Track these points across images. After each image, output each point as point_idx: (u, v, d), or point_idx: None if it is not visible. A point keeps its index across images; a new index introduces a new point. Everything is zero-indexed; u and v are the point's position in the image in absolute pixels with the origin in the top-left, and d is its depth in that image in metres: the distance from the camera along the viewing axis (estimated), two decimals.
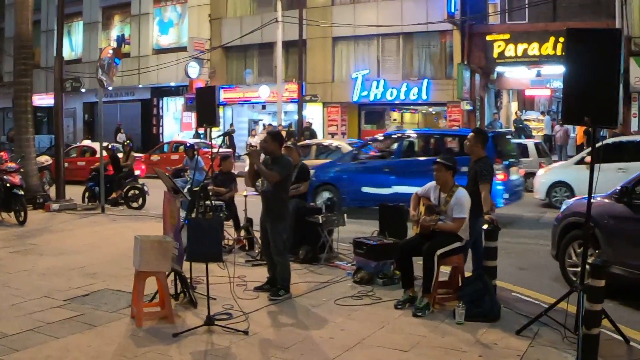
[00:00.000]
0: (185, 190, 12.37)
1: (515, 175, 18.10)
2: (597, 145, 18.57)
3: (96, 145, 32.20)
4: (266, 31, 38.05)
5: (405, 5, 36.83)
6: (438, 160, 9.44)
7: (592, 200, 9.79)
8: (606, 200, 10.32)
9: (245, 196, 13.45)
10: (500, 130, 29.68)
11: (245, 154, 15.19)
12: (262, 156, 9.89)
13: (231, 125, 41.72)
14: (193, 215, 10.32)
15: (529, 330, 8.07)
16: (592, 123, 7.62)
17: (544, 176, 21.27)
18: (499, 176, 16.10)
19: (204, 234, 8.26)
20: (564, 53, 7.82)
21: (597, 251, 10.03)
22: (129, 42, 48.42)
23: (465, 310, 8.48)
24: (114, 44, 45.34)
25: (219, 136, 15.78)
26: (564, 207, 11.75)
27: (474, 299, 8.69)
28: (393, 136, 21.78)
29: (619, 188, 10.06)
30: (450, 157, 9.64)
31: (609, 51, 7.36)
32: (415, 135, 21.49)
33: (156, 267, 8.44)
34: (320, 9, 39.24)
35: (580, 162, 20.13)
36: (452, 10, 33.70)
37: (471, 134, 10.47)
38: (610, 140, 20.31)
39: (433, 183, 9.53)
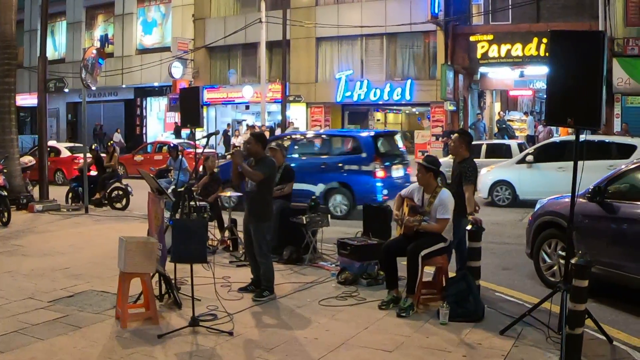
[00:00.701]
0: (170, 190, 12.37)
1: (399, 172, 19.22)
2: (539, 145, 19.18)
3: (60, 146, 32.22)
4: (250, 31, 38.07)
5: (389, 6, 36.90)
6: (419, 162, 9.50)
7: (566, 200, 10.15)
8: (580, 200, 10.15)
9: (230, 197, 13.46)
10: (383, 130, 31.47)
11: (228, 154, 15.26)
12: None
13: (228, 125, 41.84)
14: (177, 216, 10.33)
15: (512, 330, 8.11)
16: (575, 124, 7.67)
17: (487, 175, 21.84)
18: (379, 173, 17.83)
19: (189, 235, 8.26)
20: (547, 54, 7.88)
21: (578, 251, 10.09)
22: (113, 42, 48.29)
23: (449, 311, 8.52)
24: (97, 44, 45.22)
25: (204, 137, 15.81)
26: (537, 206, 11.87)
27: (458, 300, 8.72)
28: (289, 136, 22.82)
29: (591, 188, 10.19)
30: (432, 160, 9.68)
31: (592, 53, 7.40)
32: (309, 135, 23.46)
33: (141, 268, 8.43)
34: (304, 9, 39.24)
35: (522, 161, 20.92)
36: (436, 11, 33.79)
37: (455, 135, 10.52)
38: (550, 141, 21.88)
39: (417, 184, 9.56)
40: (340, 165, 18.72)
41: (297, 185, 13.96)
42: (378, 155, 18.41)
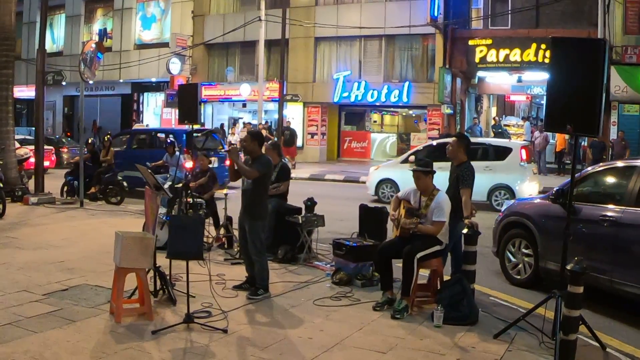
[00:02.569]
0: (166, 186, 12.36)
1: (213, 164, 20.08)
2: (420, 147, 19.85)
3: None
4: (249, 29, 38.02)
5: (389, 8, 36.93)
6: (415, 168, 9.50)
7: (531, 202, 11.53)
8: (543, 202, 11.10)
9: (226, 194, 13.46)
10: (199, 128, 32.11)
11: (225, 151, 15.40)
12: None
13: (223, 125, 41.83)
14: (174, 212, 10.33)
15: (506, 335, 8.13)
16: (574, 131, 7.69)
17: (374, 174, 23.17)
18: (187, 164, 18.77)
19: (185, 231, 8.26)
20: (546, 60, 7.93)
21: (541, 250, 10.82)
22: (111, 36, 48.23)
23: (443, 314, 8.53)
24: (96, 38, 45.14)
25: (201, 135, 15.81)
26: (504, 207, 12.39)
27: (453, 303, 8.75)
28: (127, 133, 26.97)
29: (554, 190, 10.63)
30: (426, 162, 9.70)
31: (593, 61, 7.42)
32: (142, 131, 27.86)
33: (136, 263, 8.44)
34: (304, 8, 39.24)
35: (405, 161, 22.23)
36: (435, 14, 33.77)
37: (453, 138, 10.63)
38: (434, 142, 23.34)
39: (414, 186, 9.57)
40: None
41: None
42: (189, 148, 21.17)
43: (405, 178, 20.56)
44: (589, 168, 11.48)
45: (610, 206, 9.76)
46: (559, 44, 7.95)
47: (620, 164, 11.06)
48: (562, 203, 10.27)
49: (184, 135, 22.28)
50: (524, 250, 11.32)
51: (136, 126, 37.86)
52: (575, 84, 7.52)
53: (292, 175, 15.55)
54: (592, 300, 9.54)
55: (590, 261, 9.16)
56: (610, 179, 10.73)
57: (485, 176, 19.45)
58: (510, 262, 11.56)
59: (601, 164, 12.18)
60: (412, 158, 21.39)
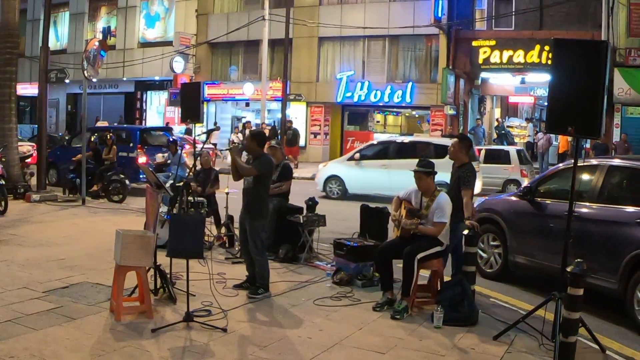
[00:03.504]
0: (168, 185, 12.36)
1: (161, 160, 22.06)
2: (365, 145, 20.57)
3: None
4: (252, 29, 38.03)
5: (392, 8, 36.88)
6: (416, 169, 9.47)
7: (501, 198, 12.10)
8: (512, 198, 11.65)
9: (227, 193, 13.47)
10: (152, 126, 35.62)
11: (226, 149, 15.57)
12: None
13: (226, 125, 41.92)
14: (175, 211, 10.32)
15: (506, 336, 8.13)
16: (575, 133, 7.68)
17: (322, 170, 24.31)
18: (140, 159, 22.21)
19: (186, 230, 8.26)
20: (549, 61, 7.94)
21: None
22: (115, 34, 48.16)
23: (443, 315, 8.53)
24: (100, 36, 45.11)
25: (203, 133, 16.02)
26: (477, 203, 12.52)
27: (453, 304, 8.74)
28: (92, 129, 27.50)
29: (522, 187, 11.45)
30: (428, 163, 9.69)
31: (595, 62, 7.42)
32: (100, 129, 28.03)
33: (137, 261, 8.44)
34: (308, 8, 39.19)
35: (351, 158, 23.50)
36: (439, 14, 33.72)
37: (455, 140, 10.60)
38: (374, 141, 25.69)
39: (415, 187, 9.56)
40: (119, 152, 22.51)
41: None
42: (142, 144, 23.54)
43: (350, 175, 22.98)
44: (560, 165, 12.33)
45: (575, 202, 9.74)
46: (561, 45, 7.95)
47: (584, 162, 11.35)
48: (530, 200, 11.09)
49: (138, 132, 24.26)
50: (493, 244, 11.81)
51: (98, 124, 38.39)
52: (577, 86, 7.52)
53: (294, 175, 15.54)
54: (592, 303, 9.53)
55: (554, 254, 10.01)
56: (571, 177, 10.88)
57: None
58: (481, 258, 11.93)
59: (566, 162, 13.12)
60: (357, 156, 22.98)
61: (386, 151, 23.16)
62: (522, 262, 11.20)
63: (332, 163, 24.82)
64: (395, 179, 21.31)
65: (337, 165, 23.90)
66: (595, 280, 9.46)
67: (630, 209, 9.52)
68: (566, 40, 8.19)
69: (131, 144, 23.66)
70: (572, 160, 12.37)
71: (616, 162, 10.51)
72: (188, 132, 35.53)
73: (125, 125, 30.64)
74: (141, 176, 21.74)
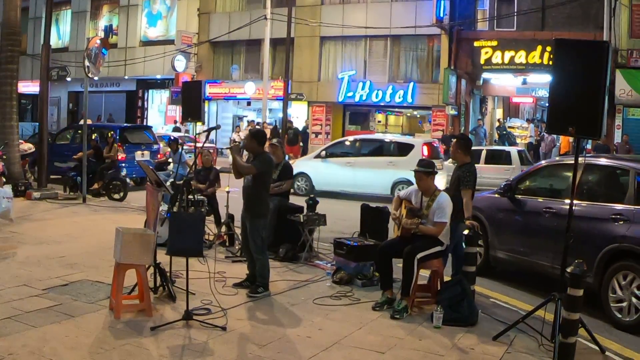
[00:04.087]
0: (168, 183, 12.35)
1: (140, 157, 23.16)
2: (331, 143, 21.08)
3: None
4: (254, 28, 38.06)
5: (394, 8, 36.90)
6: (417, 169, 9.46)
7: (484, 195, 12.22)
8: (494, 196, 11.92)
9: (228, 192, 13.47)
10: (132, 125, 36.16)
11: (227, 148, 15.60)
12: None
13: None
14: (175, 209, 10.31)
15: (505, 337, 8.13)
16: (576, 133, 7.68)
17: None
18: (120, 156, 22.51)
19: (186, 228, 8.25)
20: (551, 62, 7.93)
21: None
22: (117, 32, 48.21)
23: (443, 315, 8.52)
24: (101, 34, 45.15)
25: (204, 131, 16.10)
26: None
27: (452, 304, 8.74)
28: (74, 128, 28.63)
29: (503, 184, 11.60)
30: (428, 163, 9.68)
31: (596, 63, 7.41)
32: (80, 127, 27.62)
33: (137, 259, 8.44)
34: (310, 7, 39.22)
35: (318, 156, 24.06)
36: (441, 15, 33.75)
37: (454, 140, 10.58)
38: (338, 140, 26.36)
39: (415, 186, 9.56)
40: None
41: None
42: (122, 142, 23.83)
43: (317, 172, 23.38)
44: (543, 161, 12.98)
45: (553, 199, 10.84)
46: (562, 46, 7.94)
47: (561, 161, 12.59)
48: (510, 197, 11.44)
49: (118, 130, 24.47)
50: None
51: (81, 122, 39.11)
52: (578, 86, 7.52)
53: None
54: (592, 304, 9.52)
55: (534, 249, 10.93)
56: (553, 175, 11.78)
57: (388, 171, 21.88)
58: None
59: (545, 161, 13.47)
60: (323, 153, 23.51)
61: (351, 149, 23.85)
62: (502, 257, 11.54)
63: (300, 161, 25.20)
64: (360, 176, 22.17)
65: (305, 163, 24.20)
66: None
67: (605, 205, 9.84)
68: (567, 41, 8.18)
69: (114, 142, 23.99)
70: (548, 160, 13.10)
71: (593, 160, 10.81)
72: (176, 130, 35.92)
73: (105, 124, 31.18)
74: (123, 173, 22.43)
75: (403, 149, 22.50)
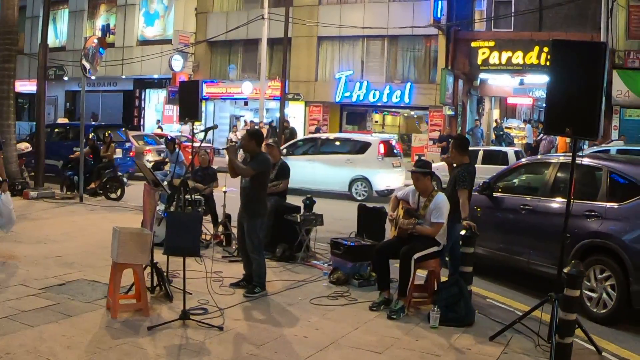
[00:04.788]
0: (165, 183, 12.36)
1: (118, 155, 23.99)
2: (293, 141, 23.42)
3: None
4: (252, 27, 38.04)
5: (392, 8, 36.92)
6: (413, 170, 9.47)
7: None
8: (473, 193, 11.63)
9: (225, 192, 13.46)
10: (107, 123, 36.13)
11: (224, 149, 15.65)
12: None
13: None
14: (172, 208, 10.31)
15: (502, 337, 8.13)
16: (573, 134, 7.69)
17: None
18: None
19: (183, 228, 8.25)
20: (548, 63, 7.95)
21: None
22: (114, 32, 48.21)
23: (440, 315, 8.54)
24: (99, 34, 45.11)
25: (202, 131, 15.91)
26: None
27: (449, 304, 8.74)
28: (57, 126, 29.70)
29: (482, 182, 11.93)
30: (424, 163, 9.71)
31: (593, 64, 7.42)
32: (67, 126, 29.33)
33: (134, 259, 8.43)
34: (307, 7, 39.22)
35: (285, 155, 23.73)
36: (439, 15, 33.75)
37: (452, 141, 10.63)
38: (300, 139, 27.08)
39: (413, 187, 9.57)
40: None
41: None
42: (104, 143, 23.32)
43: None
44: (523, 159, 13.53)
45: (529, 197, 11.26)
46: (559, 46, 7.95)
47: (538, 159, 13.07)
48: (488, 195, 11.75)
49: (90, 129, 25.18)
50: None
51: (59, 120, 39.80)
52: (575, 87, 7.53)
53: None
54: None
55: (511, 245, 11.32)
56: (530, 173, 12.24)
57: (346, 169, 22.72)
58: None
59: (523, 160, 14.05)
60: (284, 151, 23.29)
61: (311, 147, 24.46)
62: (481, 254, 11.53)
63: None
64: (319, 174, 22.58)
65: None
66: (547, 269, 10.39)
67: (578, 202, 9.88)
68: (565, 41, 8.22)
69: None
70: (526, 159, 13.96)
71: (568, 159, 10.93)
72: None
73: (79, 122, 31.82)
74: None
75: (360, 147, 23.35)
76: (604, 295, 9.42)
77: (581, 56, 7.57)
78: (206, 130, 10.50)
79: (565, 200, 9.97)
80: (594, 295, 9.57)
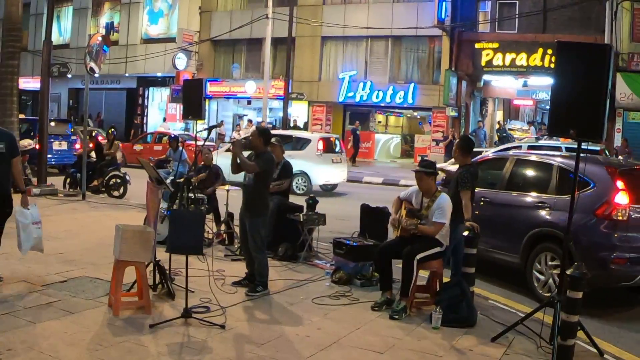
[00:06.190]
0: (168, 181, 12.35)
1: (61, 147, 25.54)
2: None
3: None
4: (256, 27, 37.99)
5: (396, 9, 36.92)
6: (417, 169, 9.45)
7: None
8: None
9: (227, 190, 13.46)
10: (57, 118, 35.86)
11: (229, 143, 15.68)
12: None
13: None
14: (175, 207, 10.31)
15: (504, 338, 8.13)
16: (577, 136, 7.67)
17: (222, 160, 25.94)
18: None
19: (186, 226, 8.26)
20: (552, 65, 7.96)
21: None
22: (118, 30, 48.23)
23: (442, 316, 8.53)
24: (102, 31, 45.14)
25: (205, 129, 15.96)
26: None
27: (451, 305, 8.74)
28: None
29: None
30: (428, 163, 9.68)
31: (598, 66, 7.40)
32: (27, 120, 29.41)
33: (136, 256, 8.44)
34: (311, 7, 39.25)
35: (228, 150, 23.08)
36: (443, 16, 33.75)
37: (457, 141, 10.66)
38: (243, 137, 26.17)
39: (416, 187, 9.55)
40: None
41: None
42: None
43: (223, 165, 23.82)
44: (489, 154, 14.65)
45: (488, 190, 12.01)
46: (564, 48, 7.92)
47: (497, 156, 13.93)
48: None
49: (37, 123, 24.72)
50: None
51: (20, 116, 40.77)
52: (579, 89, 7.51)
53: None
54: (591, 306, 9.53)
55: (486, 237, 11.39)
56: (490, 168, 12.74)
57: None
58: None
59: (494, 151, 15.09)
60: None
61: (288, 144, 24.03)
62: None
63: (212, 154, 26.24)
64: None
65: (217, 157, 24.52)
66: (503, 256, 11.50)
67: (531, 194, 11.27)
68: (569, 43, 8.17)
69: (32, 133, 25.61)
70: (501, 150, 14.38)
71: (522, 156, 12.66)
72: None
73: (30, 118, 32.22)
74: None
75: (301, 144, 24.33)
76: (550, 280, 10.31)
77: (586, 58, 7.56)
78: (210, 129, 10.50)
79: (521, 192, 11.49)
80: (542, 277, 10.50)
